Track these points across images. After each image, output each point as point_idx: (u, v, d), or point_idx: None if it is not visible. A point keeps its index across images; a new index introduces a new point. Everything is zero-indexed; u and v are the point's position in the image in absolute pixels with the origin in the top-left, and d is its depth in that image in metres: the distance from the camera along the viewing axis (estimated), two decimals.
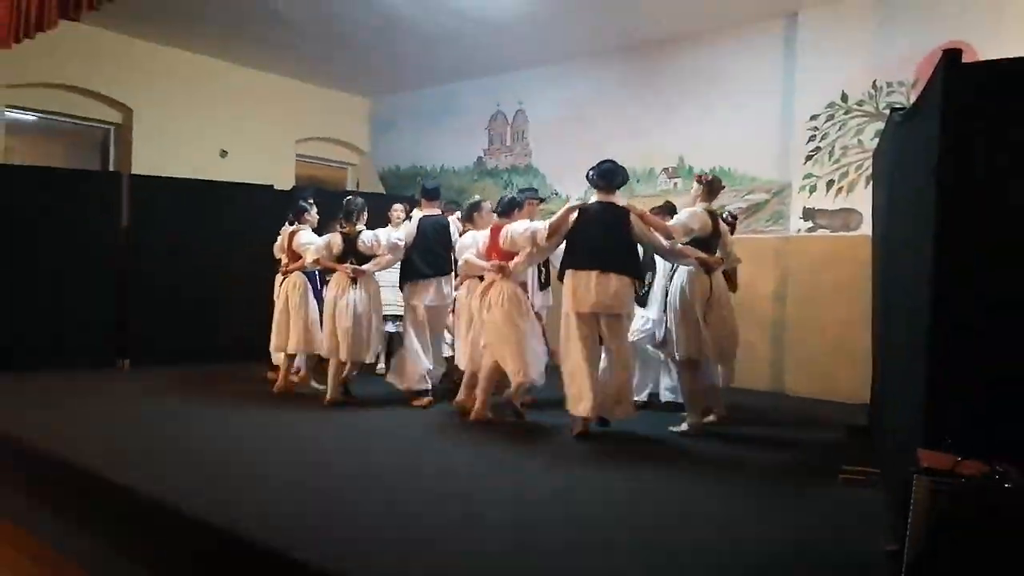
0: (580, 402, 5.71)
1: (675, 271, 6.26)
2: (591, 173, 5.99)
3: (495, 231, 6.37)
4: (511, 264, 6.15)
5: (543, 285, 7.15)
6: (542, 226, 6.00)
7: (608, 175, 5.92)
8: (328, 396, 7.03)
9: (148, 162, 10.00)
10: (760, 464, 5.21)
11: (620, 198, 6.06)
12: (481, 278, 6.49)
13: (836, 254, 7.92)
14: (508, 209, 6.43)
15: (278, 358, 7.84)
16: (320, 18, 9.06)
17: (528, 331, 6.12)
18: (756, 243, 8.51)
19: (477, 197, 7.70)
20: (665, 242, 5.89)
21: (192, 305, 9.51)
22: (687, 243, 5.96)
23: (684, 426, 6.02)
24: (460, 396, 6.65)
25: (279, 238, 7.94)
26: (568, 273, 5.86)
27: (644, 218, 5.89)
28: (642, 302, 6.67)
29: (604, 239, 5.77)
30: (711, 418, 6.31)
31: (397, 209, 8.26)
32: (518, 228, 6.15)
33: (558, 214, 5.97)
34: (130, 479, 4.43)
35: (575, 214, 5.90)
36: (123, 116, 10.18)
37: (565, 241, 5.97)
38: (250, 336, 8.05)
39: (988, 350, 3.15)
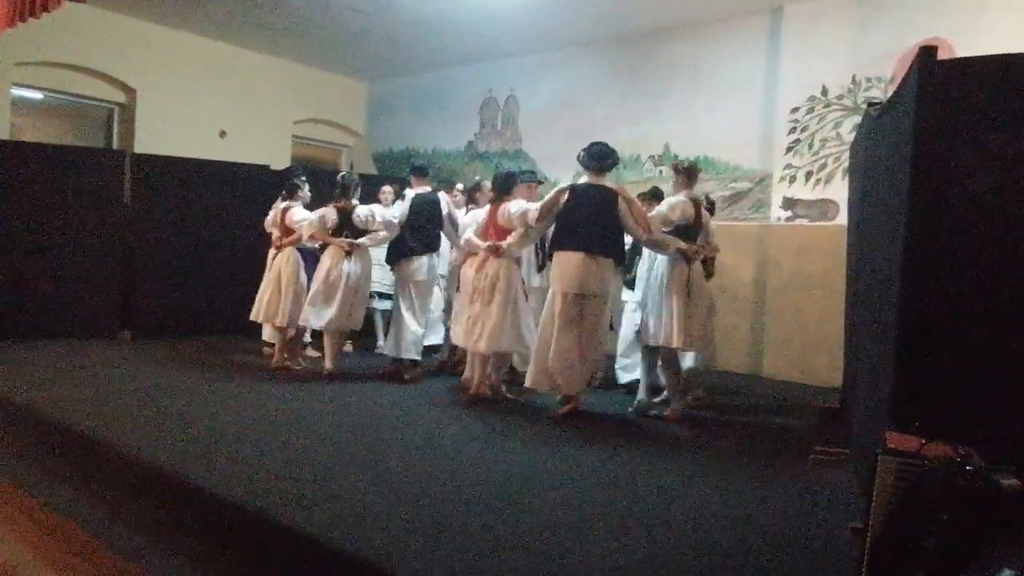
0: (531, 376, 5.77)
1: (656, 258, 6.25)
2: (582, 154, 5.90)
3: (493, 209, 6.36)
4: (504, 243, 6.13)
5: (540, 267, 7.14)
6: (533, 208, 5.97)
7: (599, 156, 5.85)
8: (327, 365, 7.06)
9: (150, 141, 9.97)
10: (733, 445, 5.24)
11: (610, 180, 6.02)
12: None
13: (814, 243, 7.95)
14: (506, 186, 6.36)
15: (268, 333, 7.85)
16: (320, 3, 9.00)
17: (510, 308, 6.11)
18: (738, 230, 8.53)
19: (477, 178, 7.71)
20: (643, 234, 5.78)
21: (191, 279, 9.51)
22: (670, 231, 5.89)
23: (667, 411, 6.00)
24: (467, 373, 6.59)
25: (271, 213, 7.91)
26: (557, 254, 5.83)
27: (631, 206, 5.77)
28: (630, 285, 6.66)
29: (591, 221, 5.71)
30: (688, 399, 6.32)
31: (386, 191, 8.24)
32: (514, 207, 6.13)
33: (549, 195, 5.93)
34: (128, 444, 4.45)
35: (566, 195, 5.85)
36: (127, 96, 10.12)
37: (555, 222, 5.93)
38: (247, 310, 8.04)
39: (953, 339, 3.18)
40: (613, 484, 4.16)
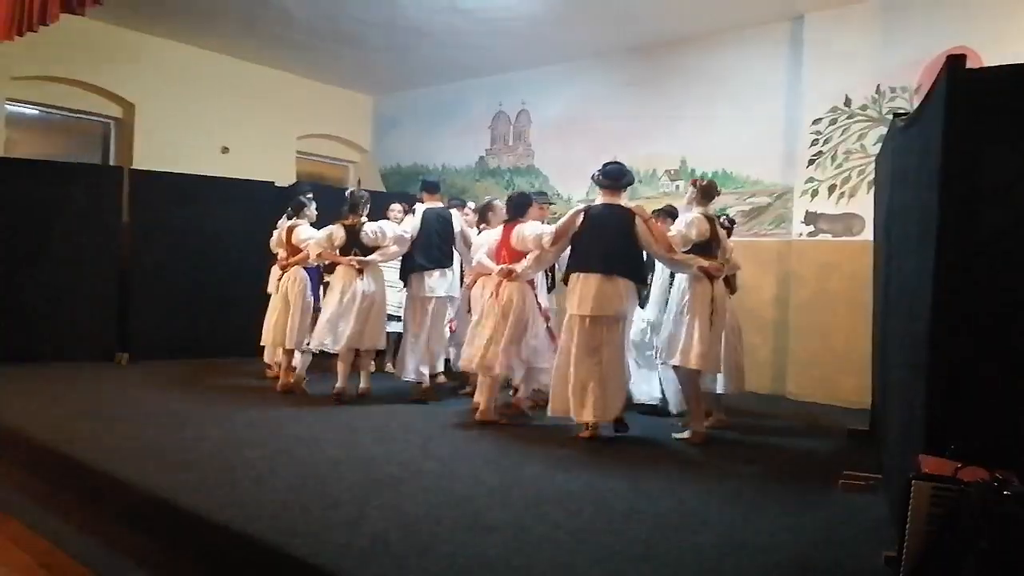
0: (553, 403, 5.86)
1: (675, 275, 6.26)
2: (596, 174, 5.98)
3: (507, 230, 6.40)
4: (518, 267, 6.17)
5: (550, 288, 7.18)
6: (550, 230, 6.03)
7: (614, 176, 5.93)
8: (362, 385, 7.14)
9: (149, 157, 10.01)
10: (759, 469, 5.21)
11: (625, 199, 6.07)
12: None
13: (838, 259, 7.93)
14: (520, 207, 6.41)
15: (276, 354, 7.87)
16: (325, 15, 9.08)
17: (523, 331, 6.17)
18: (758, 246, 8.52)
19: (488, 197, 7.74)
20: (664, 254, 5.84)
21: (191, 300, 9.56)
22: (686, 250, 5.92)
23: (687, 433, 5.98)
24: (477, 397, 6.59)
25: (276, 232, 7.97)
26: (572, 276, 5.87)
27: (649, 224, 5.82)
28: (642, 303, 6.66)
29: (608, 242, 5.76)
30: (709, 421, 6.31)
31: (395, 209, 8.29)
32: (528, 230, 6.19)
33: (564, 217, 5.98)
34: (124, 473, 4.45)
35: (581, 216, 5.91)
36: (124, 111, 10.20)
37: (571, 244, 5.98)
38: (249, 331, 8.06)
39: (989, 356, 3.16)
40: (634, 511, 4.14)
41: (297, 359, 7.59)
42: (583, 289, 5.74)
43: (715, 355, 5.83)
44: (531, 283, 6.39)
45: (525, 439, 5.82)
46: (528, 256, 6.16)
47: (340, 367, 7.12)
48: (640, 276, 5.98)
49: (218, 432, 5.68)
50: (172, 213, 9.47)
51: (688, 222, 5.95)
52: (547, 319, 6.54)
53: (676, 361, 5.86)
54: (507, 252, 6.34)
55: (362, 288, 6.99)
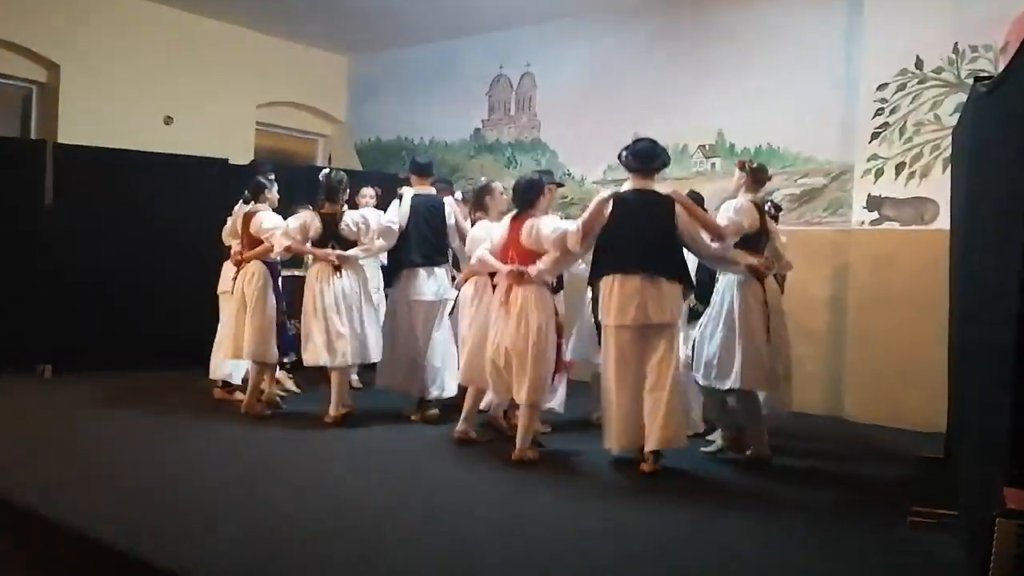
0: (609, 434, 5.79)
1: (707, 278, 6.31)
2: (624, 153, 5.95)
3: (515, 226, 6.24)
4: (533, 269, 6.03)
5: (555, 290, 7.14)
6: (574, 228, 5.89)
7: (645, 156, 5.89)
8: (331, 411, 7.03)
9: (78, 129, 9.96)
10: (812, 502, 5.22)
11: (659, 184, 6.04)
12: (492, 274, 6.49)
13: (907, 252, 7.92)
14: (529, 197, 6.24)
15: (229, 368, 7.84)
16: None
17: (544, 347, 6.04)
18: (810, 237, 8.52)
19: (485, 179, 7.72)
20: (714, 244, 5.83)
21: (127, 301, 9.50)
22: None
23: (715, 445, 6.22)
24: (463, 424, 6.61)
25: (229, 220, 7.94)
26: (605, 280, 5.83)
27: (692, 211, 5.81)
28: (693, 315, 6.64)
29: (646, 236, 5.73)
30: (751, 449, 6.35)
31: (366, 195, 8.29)
32: (547, 228, 6.03)
33: (590, 209, 5.89)
34: (45, 506, 4.46)
35: (610, 205, 5.84)
36: (48, 74, 10.17)
37: (598, 239, 5.93)
38: (201, 339, 8.04)
39: None
40: (661, 553, 4.15)
41: (252, 371, 7.50)
42: (621, 295, 5.70)
43: (775, 370, 5.96)
44: (548, 286, 6.25)
45: (528, 467, 5.82)
46: (547, 256, 6.02)
47: (333, 388, 7.06)
48: (688, 277, 5.94)
49: (164, 461, 5.68)
50: (106, 196, 9.42)
51: (738, 208, 5.98)
52: (560, 333, 6.39)
53: (728, 383, 5.92)
54: (516, 252, 6.17)
55: (341, 288, 6.99)
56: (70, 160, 9.37)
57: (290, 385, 8.32)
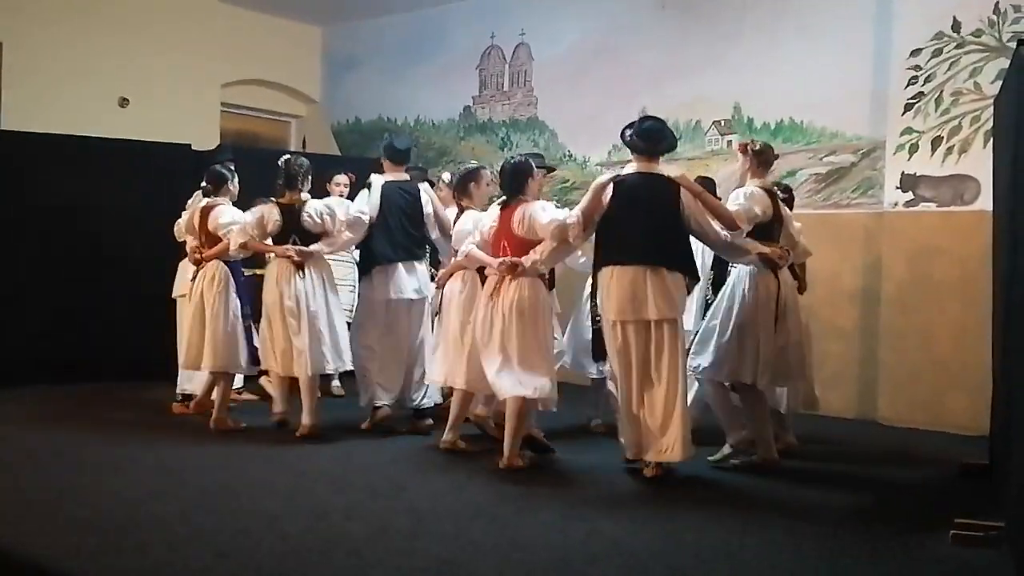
0: (623, 440, 5.88)
1: (722, 270, 6.36)
2: (628, 133, 5.96)
3: (506, 214, 6.26)
4: (527, 260, 6.04)
5: (549, 286, 7.14)
6: (573, 217, 5.91)
7: (652, 137, 5.90)
8: (304, 422, 6.99)
9: (21, 112, 9.95)
10: (843, 516, 5.20)
11: (665, 167, 6.04)
12: (481, 268, 6.50)
13: (946, 237, 7.91)
14: (518, 182, 6.28)
15: (194, 380, 7.80)
16: None
17: (541, 342, 6.10)
18: (838, 221, 8.51)
19: (474, 163, 7.70)
20: (723, 232, 5.84)
21: (79, 305, 9.45)
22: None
23: (725, 451, 6.24)
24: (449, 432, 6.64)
25: (184, 215, 7.87)
26: (604, 271, 5.86)
27: (701, 197, 5.83)
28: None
29: (647, 223, 5.76)
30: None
31: (340, 183, 8.26)
32: (542, 215, 6.06)
33: (588, 195, 5.92)
34: None
35: (609, 190, 5.86)
36: None
37: (597, 227, 5.96)
38: (160, 347, 8.00)
39: None
40: (675, 567, 4.13)
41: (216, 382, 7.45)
42: (619, 287, 5.74)
43: (787, 367, 6.02)
44: (544, 280, 6.29)
45: (526, 481, 5.81)
46: (542, 245, 6.05)
47: (304, 398, 7.03)
48: (692, 267, 5.97)
49: (120, 481, 5.66)
50: (53, 187, 9.37)
51: (748, 194, 6.00)
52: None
53: (735, 378, 6.01)
54: (509, 242, 6.19)
55: (302, 289, 6.95)
56: (12, 147, 9.32)
57: (245, 396, 8.35)
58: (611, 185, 5.87)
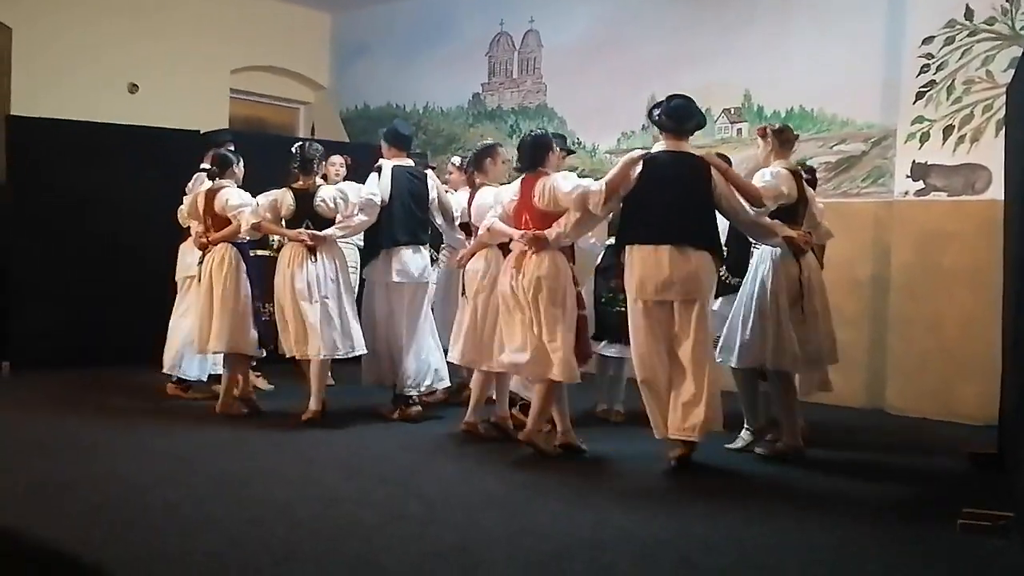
0: (653, 421, 5.85)
1: (741, 250, 6.37)
2: (656, 111, 5.96)
3: (526, 185, 6.24)
4: (551, 233, 6.00)
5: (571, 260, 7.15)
6: (596, 186, 5.89)
7: (679, 114, 5.90)
8: (311, 407, 7.02)
9: (33, 99, 9.95)
10: (850, 502, 5.22)
11: (693, 147, 6.06)
12: (504, 246, 6.47)
13: (957, 226, 7.88)
14: (537, 154, 6.27)
15: (184, 363, 7.84)
16: None
17: (565, 321, 6.05)
18: (849, 209, 8.49)
19: (490, 140, 7.72)
20: (751, 210, 5.86)
21: (93, 291, 9.50)
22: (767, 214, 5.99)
23: (742, 441, 6.30)
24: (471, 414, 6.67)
25: (187, 199, 7.86)
26: (630, 249, 5.85)
27: (727, 175, 5.86)
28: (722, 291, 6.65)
29: (676, 202, 5.75)
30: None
31: (335, 163, 8.25)
32: (565, 184, 6.03)
33: (617, 168, 5.92)
34: (7, 523, 4.47)
35: (638, 167, 5.85)
36: None
37: (622, 204, 5.95)
38: (162, 333, 8.01)
39: None
40: (686, 565, 4.14)
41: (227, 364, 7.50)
42: (644, 266, 5.74)
43: (810, 350, 6.10)
44: (567, 253, 6.22)
45: (536, 469, 5.83)
46: (566, 215, 6.01)
47: (312, 381, 7.07)
48: (719, 247, 5.97)
49: (133, 466, 5.69)
50: (65, 174, 9.41)
51: (775, 173, 6.04)
52: (581, 304, 6.33)
53: (758, 362, 6.09)
54: (530, 215, 6.16)
55: (316, 273, 6.97)
56: (24, 134, 9.35)
57: (261, 384, 8.32)
58: (641, 161, 5.86)
